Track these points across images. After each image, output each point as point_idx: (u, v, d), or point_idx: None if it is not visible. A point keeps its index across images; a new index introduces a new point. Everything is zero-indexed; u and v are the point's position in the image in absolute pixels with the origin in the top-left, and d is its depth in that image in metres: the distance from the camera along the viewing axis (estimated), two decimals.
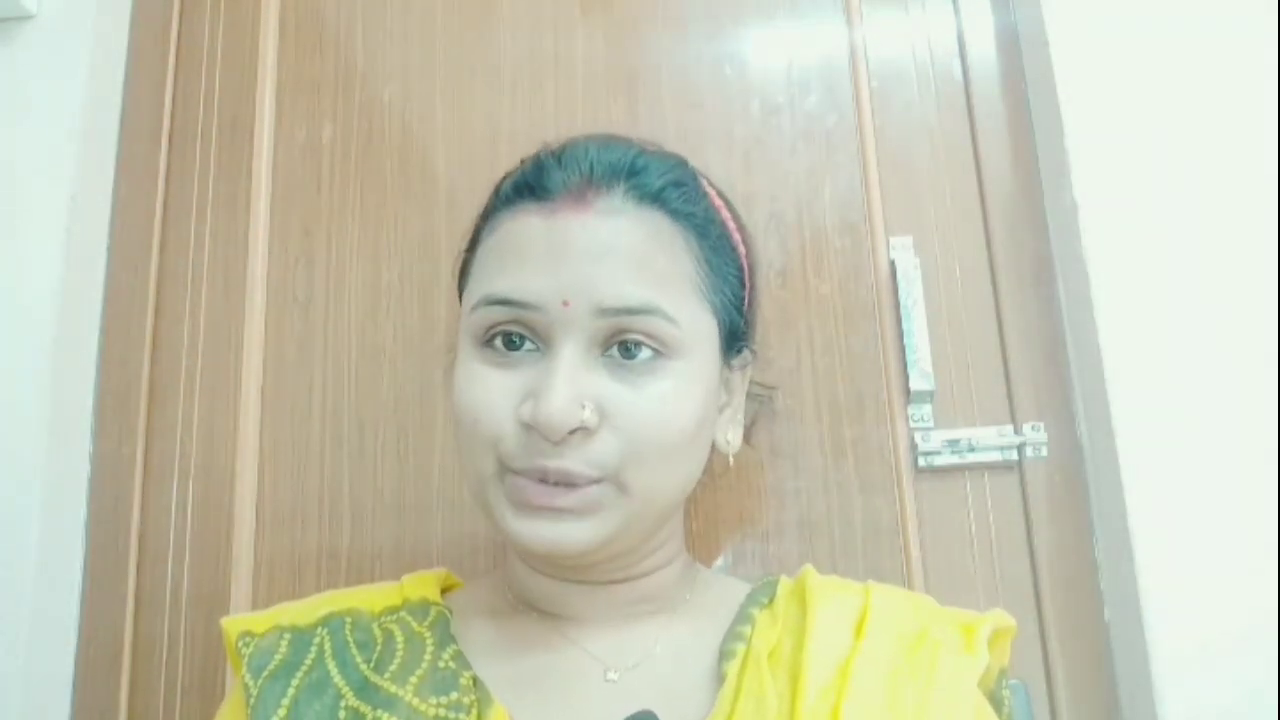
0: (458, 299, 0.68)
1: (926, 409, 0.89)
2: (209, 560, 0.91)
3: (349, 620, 0.62)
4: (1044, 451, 0.88)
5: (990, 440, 0.88)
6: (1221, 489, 0.80)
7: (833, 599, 0.59)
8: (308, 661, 0.58)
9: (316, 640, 0.60)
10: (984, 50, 0.97)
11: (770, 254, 0.94)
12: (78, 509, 0.91)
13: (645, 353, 0.55)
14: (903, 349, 0.90)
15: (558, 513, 0.54)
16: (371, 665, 0.58)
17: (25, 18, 0.96)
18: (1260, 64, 0.87)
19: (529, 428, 0.54)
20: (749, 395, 0.68)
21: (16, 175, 0.93)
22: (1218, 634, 0.77)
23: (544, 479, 0.54)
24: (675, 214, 0.59)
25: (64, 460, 0.90)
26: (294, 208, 1.00)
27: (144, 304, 0.97)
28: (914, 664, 0.55)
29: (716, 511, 0.89)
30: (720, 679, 0.56)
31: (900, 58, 0.98)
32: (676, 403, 0.56)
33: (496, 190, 0.63)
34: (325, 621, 0.62)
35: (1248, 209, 0.84)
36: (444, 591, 0.69)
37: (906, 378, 0.89)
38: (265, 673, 0.58)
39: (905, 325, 0.90)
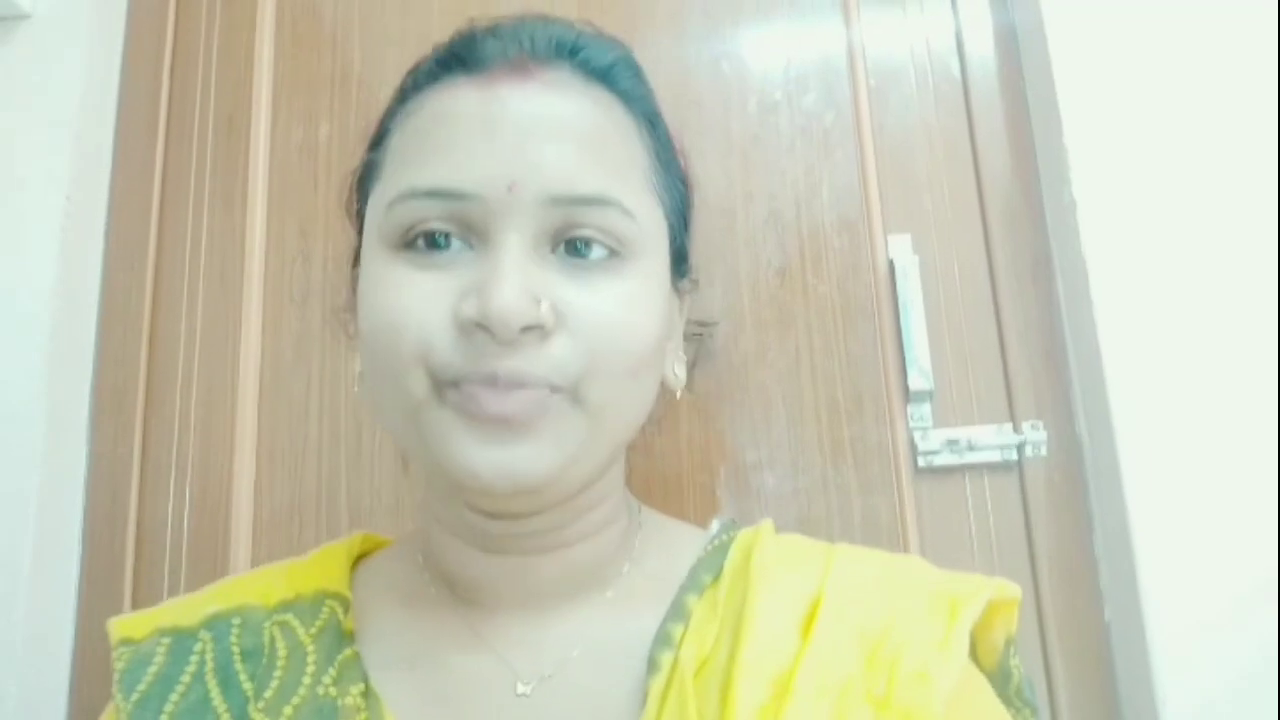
0: (352, 220, 0.60)
1: (925, 408, 0.89)
2: (206, 560, 0.91)
3: (236, 622, 0.54)
4: (1044, 450, 0.87)
5: (990, 439, 0.88)
6: (1222, 487, 0.79)
7: (780, 583, 0.51)
8: (185, 677, 0.52)
9: (198, 649, 0.53)
10: (982, 48, 0.97)
11: (768, 252, 0.94)
12: (75, 509, 0.91)
13: (599, 251, 0.48)
14: (901, 348, 0.89)
15: (513, 432, 0.45)
16: (255, 683, 0.51)
17: (21, 17, 0.96)
18: (1260, 61, 0.87)
19: (473, 329, 0.45)
20: (685, 335, 0.61)
21: (12, 174, 0.93)
22: (1218, 633, 0.77)
23: (493, 384, 0.45)
24: (626, 96, 0.53)
25: (61, 460, 0.90)
26: (290, 207, 0.99)
27: (140, 303, 0.97)
28: (871, 675, 0.46)
29: (715, 511, 0.88)
30: (644, 696, 0.48)
31: (898, 55, 0.98)
32: (639, 307, 0.49)
33: (412, 73, 0.54)
34: (210, 623, 0.54)
35: (1247, 206, 0.84)
36: (361, 558, 0.62)
37: (905, 377, 0.89)
38: (137, 692, 0.51)
39: (904, 324, 0.89)
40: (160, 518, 0.92)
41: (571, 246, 0.48)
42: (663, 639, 0.50)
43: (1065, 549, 0.86)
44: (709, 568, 0.54)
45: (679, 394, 0.58)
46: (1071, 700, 0.83)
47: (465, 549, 0.54)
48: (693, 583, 0.53)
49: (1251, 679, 0.76)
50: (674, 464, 0.90)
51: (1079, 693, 0.83)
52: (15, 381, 0.88)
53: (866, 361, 0.91)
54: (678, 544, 0.57)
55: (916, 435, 0.88)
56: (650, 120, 0.55)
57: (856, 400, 0.90)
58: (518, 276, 0.45)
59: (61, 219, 0.91)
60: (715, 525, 0.60)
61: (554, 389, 0.46)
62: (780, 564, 0.52)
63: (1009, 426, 0.88)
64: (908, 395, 0.89)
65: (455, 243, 0.48)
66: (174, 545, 0.92)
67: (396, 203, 0.48)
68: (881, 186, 0.95)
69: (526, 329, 0.45)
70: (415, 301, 0.47)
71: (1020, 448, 0.88)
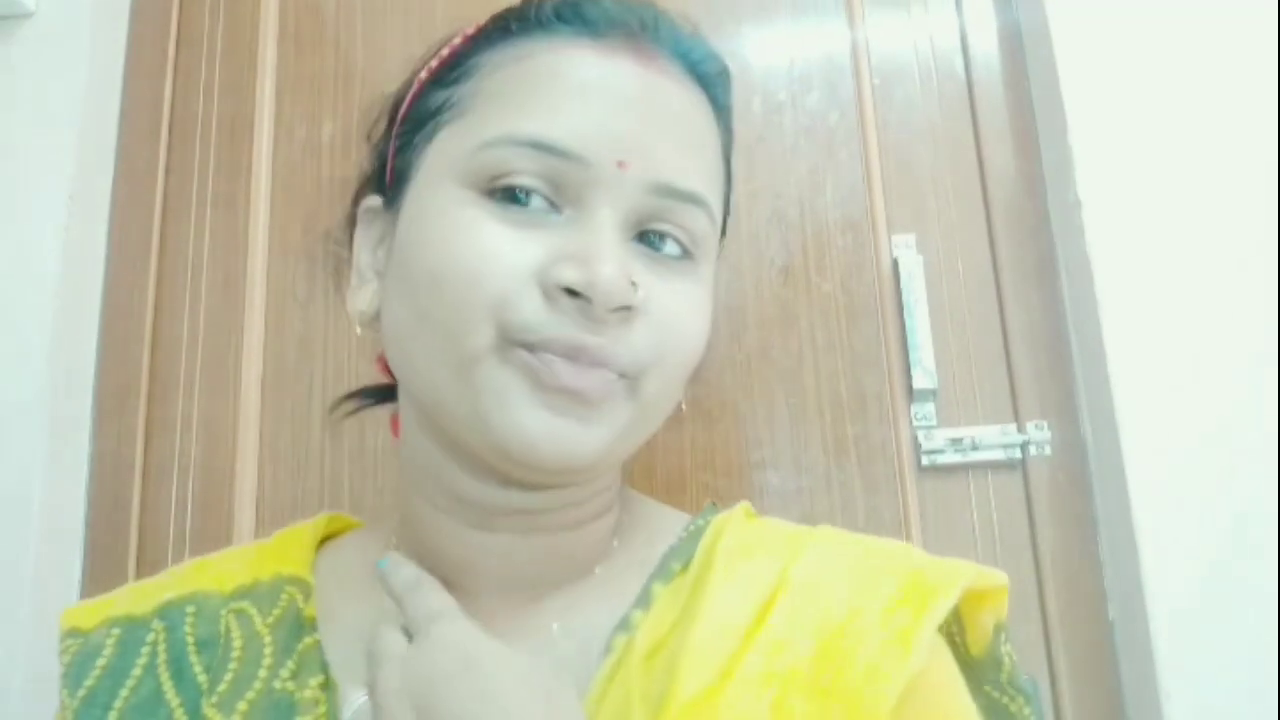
0: (373, 148, 0.55)
1: (929, 407, 0.89)
2: None
3: (191, 610, 0.52)
4: (1048, 450, 0.87)
5: (994, 439, 0.88)
6: (1225, 486, 0.80)
7: (742, 568, 0.49)
8: (136, 670, 0.49)
9: (150, 639, 0.51)
10: (987, 47, 0.97)
11: (772, 251, 0.94)
12: (77, 509, 0.91)
13: (672, 248, 0.47)
14: (905, 347, 0.90)
15: (584, 407, 0.44)
16: (210, 675, 0.49)
17: (24, 15, 0.96)
18: (1262, 61, 0.87)
19: (561, 295, 0.43)
20: None
21: (16, 173, 0.93)
22: (1222, 633, 0.77)
23: (574, 358, 0.44)
24: (719, 107, 0.52)
25: (63, 460, 0.90)
26: (294, 206, 0.99)
27: (143, 302, 0.97)
28: (822, 665, 0.44)
29: None
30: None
31: (903, 55, 0.98)
32: (700, 311, 0.49)
33: (509, 17, 0.51)
34: (163, 611, 0.52)
35: (1250, 205, 0.84)
36: (327, 540, 0.58)
37: (909, 376, 0.89)
38: (84, 688, 0.49)
39: (908, 323, 0.89)
40: (163, 518, 0.92)
41: (645, 237, 0.47)
42: (623, 625, 0.49)
43: (1069, 548, 0.86)
44: (680, 555, 0.52)
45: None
46: (1075, 699, 0.83)
47: (454, 526, 0.51)
48: (661, 570, 0.52)
49: (1254, 677, 0.76)
50: (677, 462, 0.90)
51: (1083, 691, 0.83)
52: (18, 381, 0.88)
53: (870, 360, 0.91)
54: (662, 529, 0.56)
55: (920, 434, 0.88)
56: (730, 135, 0.55)
57: (860, 399, 0.90)
58: (620, 253, 0.45)
59: (64, 218, 0.91)
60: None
61: (622, 374, 0.45)
62: (746, 548, 0.51)
63: (1013, 426, 0.88)
64: (911, 394, 0.89)
65: (537, 201, 0.45)
66: (176, 546, 0.92)
67: (493, 145, 0.45)
68: (886, 185, 0.95)
69: (619, 309, 0.44)
70: (496, 250, 0.44)
71: (1024, 447, 0.88)
